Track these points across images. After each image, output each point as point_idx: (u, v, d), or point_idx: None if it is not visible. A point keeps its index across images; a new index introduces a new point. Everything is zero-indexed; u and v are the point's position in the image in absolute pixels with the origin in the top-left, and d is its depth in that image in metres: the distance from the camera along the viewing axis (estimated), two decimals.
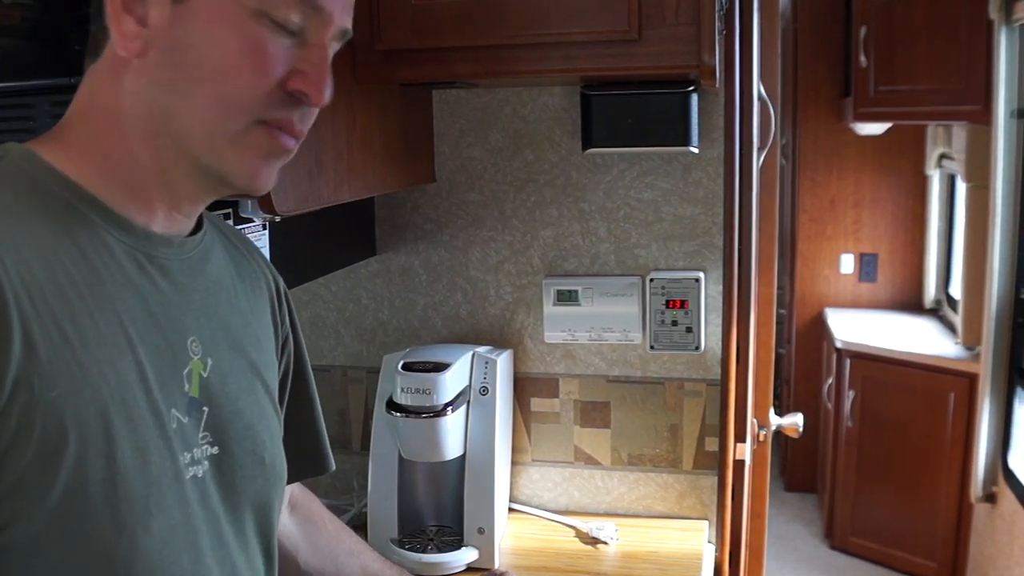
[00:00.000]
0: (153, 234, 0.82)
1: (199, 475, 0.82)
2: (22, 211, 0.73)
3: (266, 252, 1.31)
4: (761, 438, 1.84)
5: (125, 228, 0.80)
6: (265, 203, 1.13)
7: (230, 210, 1.20)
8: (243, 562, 0.89)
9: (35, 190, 0.76)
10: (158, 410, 0.78)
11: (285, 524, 1.16)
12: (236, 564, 0.88)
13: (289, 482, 1.02)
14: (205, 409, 0.84)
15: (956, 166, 3.56)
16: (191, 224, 0.88)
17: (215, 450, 0.85)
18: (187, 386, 0.83)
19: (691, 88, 1.53)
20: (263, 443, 0.92)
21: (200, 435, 0.84)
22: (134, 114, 0.80)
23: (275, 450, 0.95)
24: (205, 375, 0.85)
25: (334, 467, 1.16)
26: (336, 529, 1.24)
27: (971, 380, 3.36)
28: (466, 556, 1.60)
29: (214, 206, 1.17)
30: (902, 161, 4.17)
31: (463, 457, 1.62)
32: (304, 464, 1.09)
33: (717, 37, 1.28)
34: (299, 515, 1.19)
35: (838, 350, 3.84)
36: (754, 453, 1.78)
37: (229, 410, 0.87)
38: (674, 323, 1.69)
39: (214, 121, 0.79)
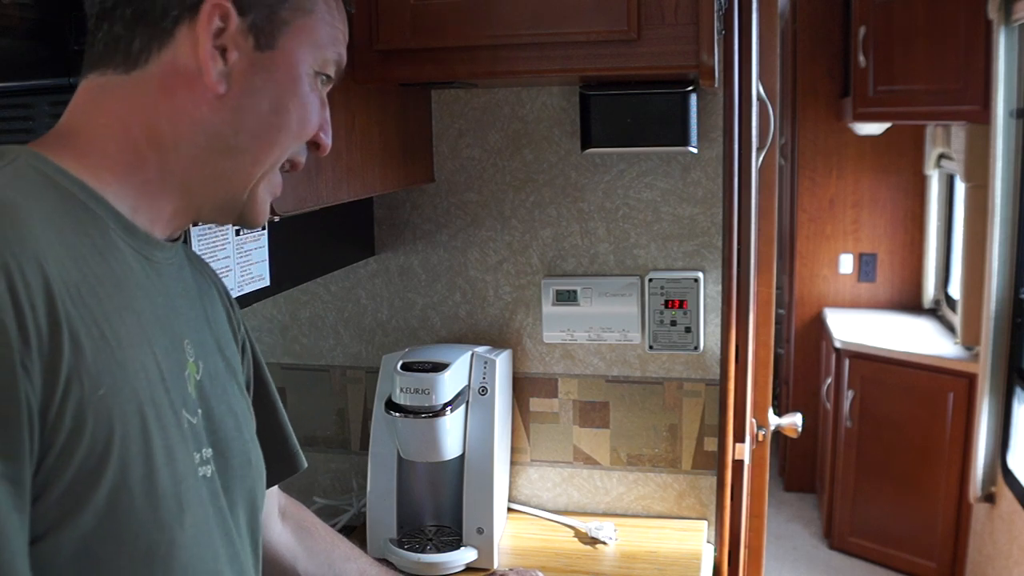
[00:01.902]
0: (152, 237, 0.84)
1: (207, 475, 0.84)
2: (47, 212, 0.74)
3: (265, 252, 1.31)
4: (760, 438, 1.84)
5: (131, 231, 0.81)
6: None
7: None
8: (245, 559, 0.91)
9: (52, 191, 0.76)
10: (176, 409, 0.80)
11: (279, 534, 1.17)
12: (242, 561, 0.90)
13: (267, 486, 1.02)
14: (200, 411, 0.85)
15: (955, 166, 3.56)
16: (173, 233, 0.90)
17: (211, 451, 0.86)
18: (189, 387, 0.84)
19: (690, 88, 1.53)
20: (247, 443, 0.94)
21: (203, 436, 0.85)
22: (188, 140, 0.82)
23: (257, 450, 0.97)
24: (199, 377, 0.86)
25: (306, 464, 1.16)
26: (330, 536, 1.24)
27: (970, 380, 3.36)
28: (465, 556, 1.60)
29: None
30: (901, 161, 4.17)
31: (462, 457, 1.62)
32: (277, 466, 1.09)
33: (716, 37, 1.27)
34: (291, 523, 1.20)
35: (837, 350, 3.85)
36: (753, 453, 1.78)
37: (219, 412, 0.89)
38: (673, 323, 1.69)
39: (267, 163, 0.87)
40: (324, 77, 0.90)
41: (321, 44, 0.88)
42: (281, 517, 1.19)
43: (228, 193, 0.87)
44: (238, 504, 0.90)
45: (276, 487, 1.18)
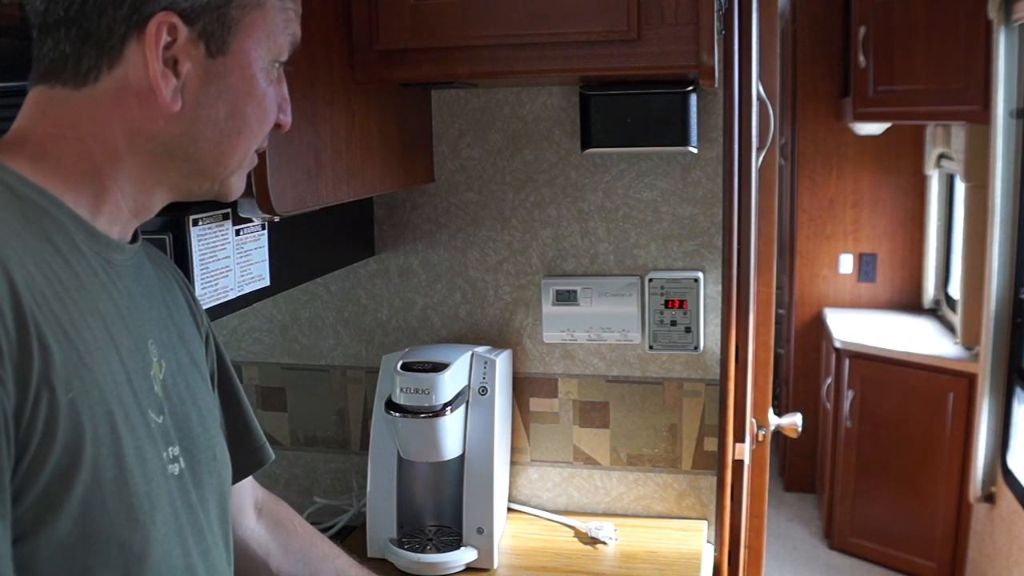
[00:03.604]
0: (112, 240, 0.83)
1: (175, 472, 0.85)
2: (9, 220, 0.73)
3: (265, 252, 1.31)
4: (760, 438, 1.84)
5: (91, 234, 0.81)
6: (264, 203, 1.13)
7: (228, 210, 1.20)
8: (217, 553, 0.91)
9: (13, 197, 0.75)
10: (143, 410, 0.81)
11: (252, 529, 1.16)
12: (214, 556, 0.90)
13: (235, 480, 1.03)
14: (166, 410, 0.85)
15: (955, 166, 3.56)
16: (132, 231, 0.89)
17: (178, 449, 0.86)
18: (155, 387, 0.84)
19: (690, 88, 1.53)
20: (213, 438, 0.94)
21: (171, 434, 0.86)
22: (145, 151, 0.82)
23: (222, 444, 0.97)
24: (163, 376, 0.86)
25: (273, 456, 1.15)
26: (308, 533, 1.23)
27: (970, 380, 3.36)
28: (465, 556, 1.60)
29: (212, 204, 1.17)
30: (901, 161, 4.18)
31: (462, 457, 1.62)
32: (244, 459, 1.09)
33: (716, 37, 1.28)
34: (267, 519, 1.19)
35: (837, 350, 3.85)
36: (753, 453, 1.78)
37: (183, 409, 0.89)
38: (673, 323, 1.69)
39: (235, 163, 0.87)
40: (279, 63, 0.89)
41: (275, 32, 0.87)
42: (257, 513, 1.18)
43: (195, 188, 0.88)
44: (209, 500, 0.91)
45: (251, 481, 1.17)
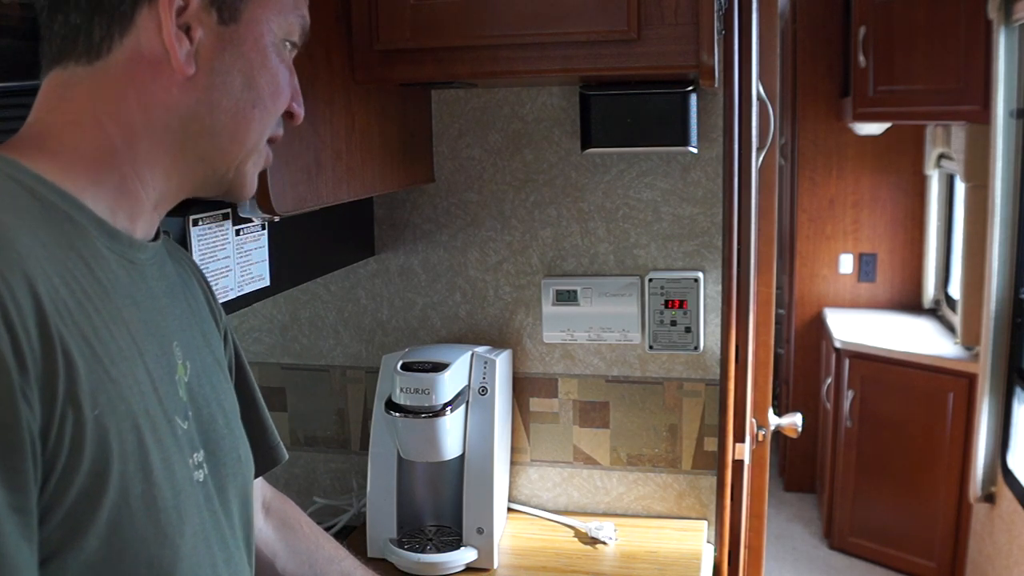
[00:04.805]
0: (134, 240, 0.81)
1: (200, 479, 0.83)
2: (30, 226, 0.71)
3: (265, 252, 1.31)
4: (760, 438, 1.84)
5: (113, 236, 0.79)
6: (264, 203, 1.13)
7: (228, 210, 1.20)
8: (239, 557, 0.90)
9: (34, 202, 0.73)
10: (170, 418, 0.79)
11: (261, 529, 1.16)
12: (237, 561, 0.89)
13: None
14: (191, 414, 0.84)
15: (955, 166, 3.56)
16: (156, 227, 0.88)
17: (203, 454, 0.85)
18: (180, 391, 0.83)
19: (690, 88, 1.53)
20: (237, 439, 0.93)
21: (196, 439, 0.84)
22: (162, 126, 0.80)
23: (245, 444, 0.96)
24: (187, 379, 0.85)
25: (287, 456, 1.15)
26: (315, 534, 1.22)
27: (970, 380, 3.36)
28: (465, 556, 1.60)
29: (212, 204, 1.17)
30: (901, 161, 4.18)
31: (462, 457, 1.62)
32: (260, 459, 1.07)
33: (716, 37, 1.28)
34: (275, 519, 1.18)
35: (837, 350, 3.85)
36: (753, 453, 1.79)
37: (208, 411, 0.88)
38: (673, 323, 1.69)
39: (251, 141, 0.86)
40: (290, 44, 0.88)
41: (285, 9, 0.86)
42: (265, 512, 1.17)
43: (211, 173, 0.86)
44: (231, 503, 0.90)
45: (260, 479, 1.16)
